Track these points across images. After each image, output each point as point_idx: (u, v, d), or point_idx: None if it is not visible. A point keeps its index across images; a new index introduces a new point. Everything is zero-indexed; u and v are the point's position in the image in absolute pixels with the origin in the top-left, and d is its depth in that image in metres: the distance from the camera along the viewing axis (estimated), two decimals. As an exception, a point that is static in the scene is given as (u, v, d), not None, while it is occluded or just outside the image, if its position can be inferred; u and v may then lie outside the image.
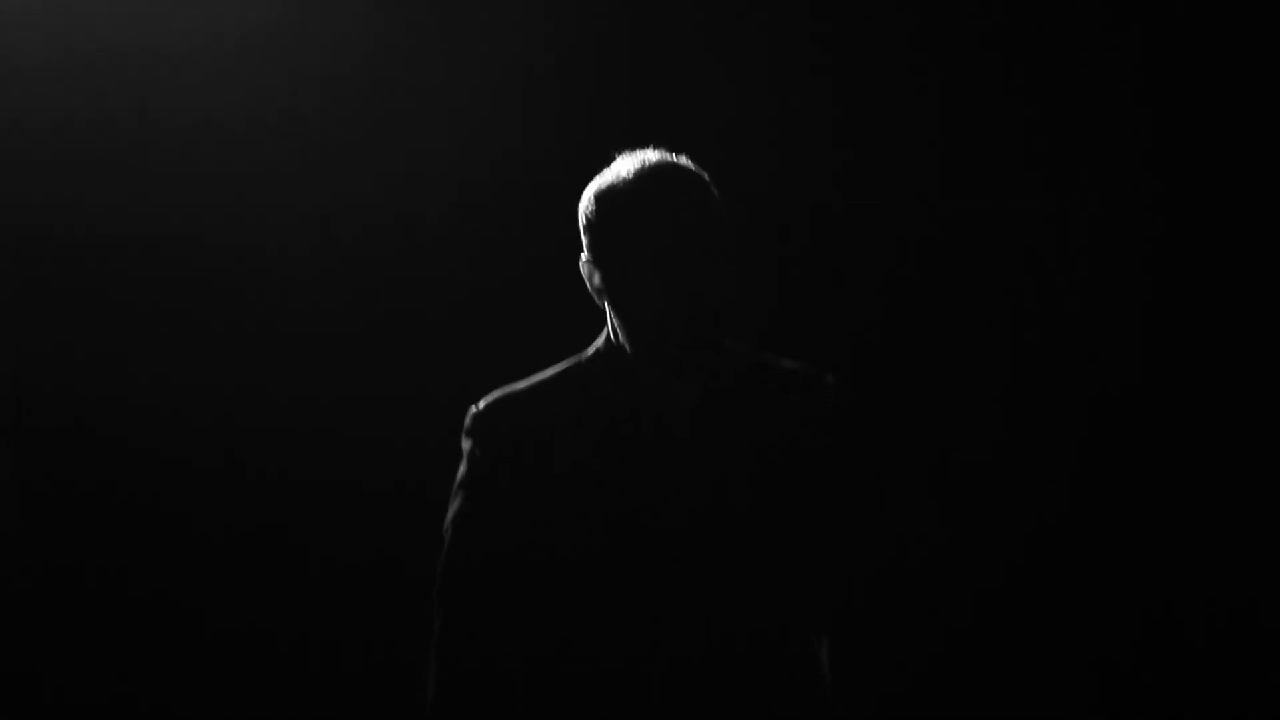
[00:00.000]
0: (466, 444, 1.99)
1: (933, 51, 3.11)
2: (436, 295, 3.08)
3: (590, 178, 1.97)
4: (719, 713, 1.88)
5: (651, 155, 1.93)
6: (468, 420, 2.00)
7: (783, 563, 1.93)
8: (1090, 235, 3.10)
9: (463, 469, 1.99)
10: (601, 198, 1.92)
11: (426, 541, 2.86)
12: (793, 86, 3.11)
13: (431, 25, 3.10)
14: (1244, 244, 3.08)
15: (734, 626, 1.90)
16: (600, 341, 1.99)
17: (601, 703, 1.90)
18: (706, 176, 1.93)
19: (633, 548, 1.90)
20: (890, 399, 3.02)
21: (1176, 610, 3.05)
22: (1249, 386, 3.07)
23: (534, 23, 3.10)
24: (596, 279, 1.94)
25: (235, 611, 3.07)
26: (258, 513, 3.08)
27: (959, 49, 3.11)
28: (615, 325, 1.96)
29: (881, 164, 3.11)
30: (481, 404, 2.00)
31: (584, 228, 1.95)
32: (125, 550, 3.05)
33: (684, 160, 1.94)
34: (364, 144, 3.09)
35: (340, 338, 3.08)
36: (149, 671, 3.05)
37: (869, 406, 2.09)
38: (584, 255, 1.95)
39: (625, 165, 1.93)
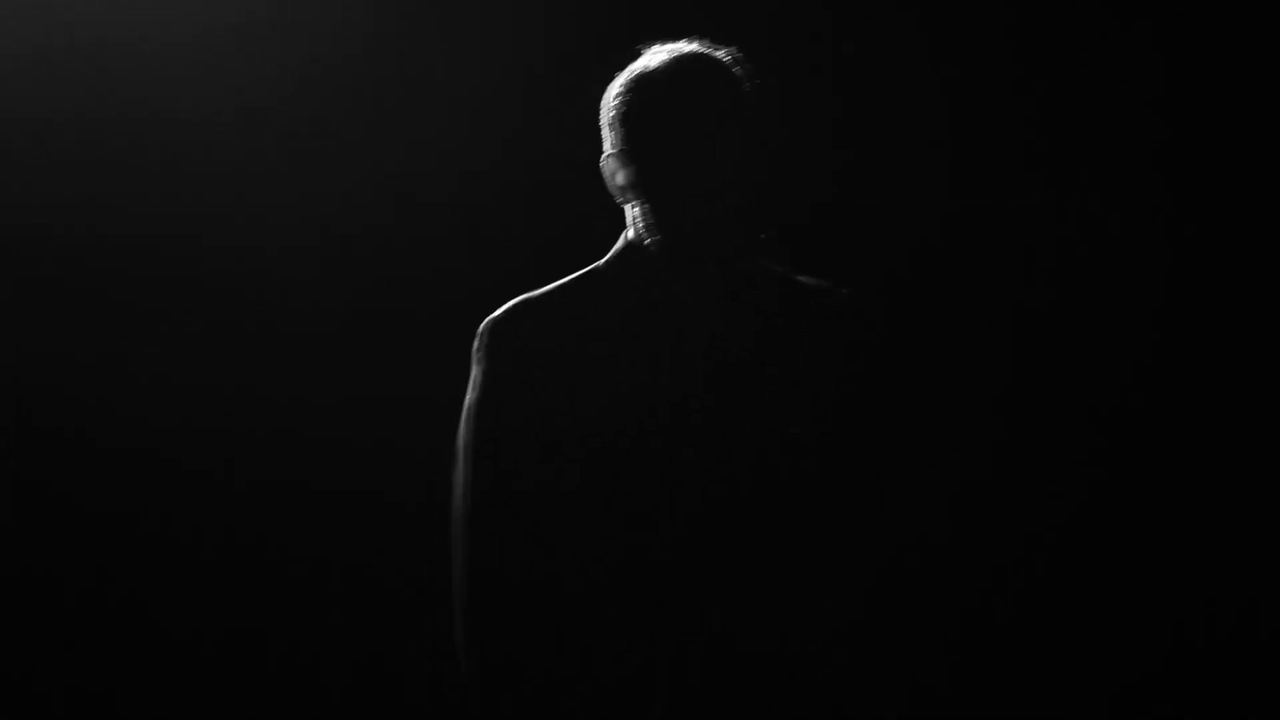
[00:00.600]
0: (484, 358, 1.89)
1: (933, 51, 3.11)
2: (436, 294, 3.07)
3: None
4: (721, 709, 1.85)
5: (689, 45, 1.89)
6: (486, 332, 1.90)
7: (810, 516, 1.87)
8: (1092, 235, 3.10)
9: (479, 387, 1.89)
10: (639, 85, 1.86)
11: (432, 546, 2.86)
12: (792, 86, 3.10)
13: (429, 18, 3.09)
14: (1249, 242, 3.08)
15: (747, 604, 1.84)
16: (620, 247, 1.92)
17: (601, 691, 1.85)
18: (750, 70, 1.89)
19: (650, 495, 1.82)
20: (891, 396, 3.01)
21: (1180, 612, 3.04)
22: (1255, 386, 3.07)
23: (532, 20, 3.09)
24: (622, 176, 1.87)
25: (235, 616, 3.06)
26: (258, 516, 3.07)
27: (960, 48, 3.11)
28: (641, 227, 1.89)
29: (881, 164, 3.10)
30: (501, 313, 1.91)
31: (614, 120, 1.88)
32: (122, 552, 3.04)
33: (726, 52, 1.89)
34: (363, 139, 3.08)
35: (338, 338, 3.07)
36: (145, 676, 3.04)
37: (892, 328, 2.03)
38: (609, 151, 1.89)
39: (662, 55, 1.88)
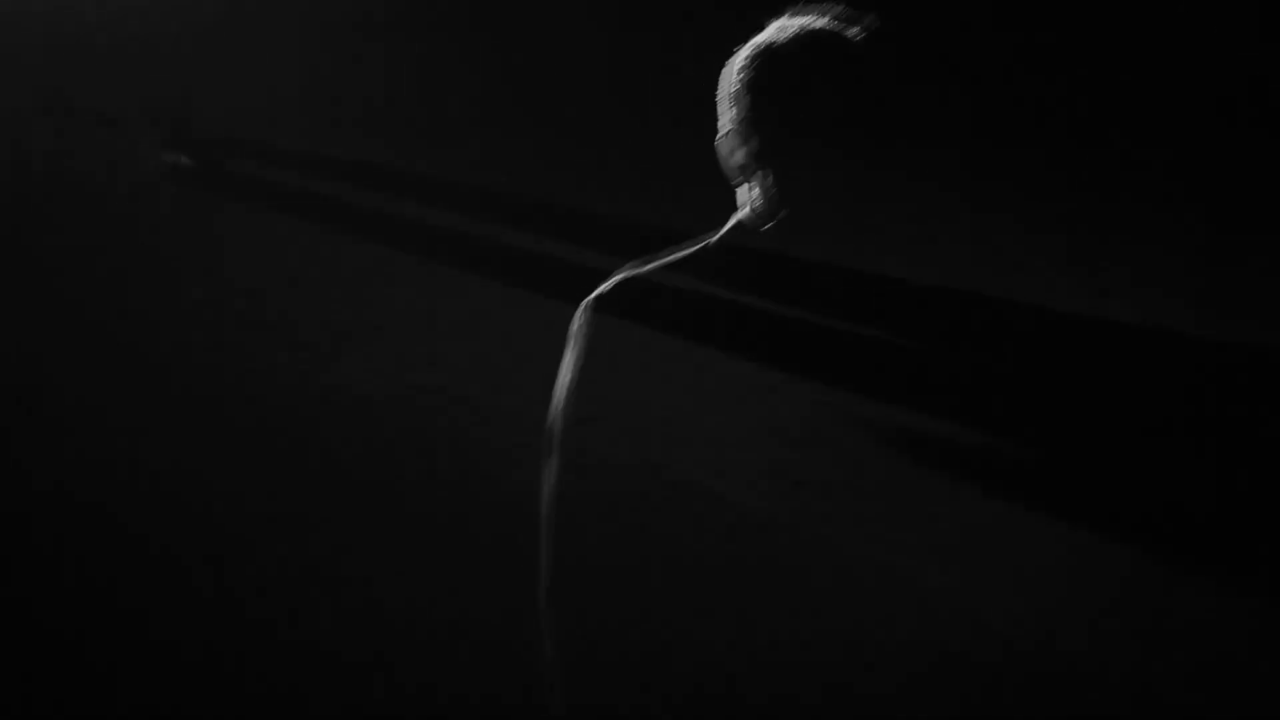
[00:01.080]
0: (585, 338, 1.84)
1: (936, 50, 3.11)
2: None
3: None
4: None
5: (820, 19, 1.87)
6: (591, 310, 1.87)
7: None
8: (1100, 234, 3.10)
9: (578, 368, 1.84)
10: (768, 57, 1.85)
11: (431, 548, 2.84)
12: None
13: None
14: (1250, 239, 3.08)
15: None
16: (730, 225, 1.90)
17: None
18: (877, 50, 1.86)
19: None
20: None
21: (1183, 613, 3.04)
22: (1255, 385, 3.07)
23: (532, 16, 3.08)
24: (741, 154, 1.85)
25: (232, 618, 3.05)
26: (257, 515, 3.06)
27: (962, 45, 3.11)
28: (757, 208, 1.87)
29: (884, 161, 3.09)
30: (605, 290, 1.87)
31: (739, 92, 1.86)
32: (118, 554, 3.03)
33: (853, 30, 1.88)
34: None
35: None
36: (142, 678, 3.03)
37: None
38: (730, 127, 1.87)
39: (793, 27, 1.86)
